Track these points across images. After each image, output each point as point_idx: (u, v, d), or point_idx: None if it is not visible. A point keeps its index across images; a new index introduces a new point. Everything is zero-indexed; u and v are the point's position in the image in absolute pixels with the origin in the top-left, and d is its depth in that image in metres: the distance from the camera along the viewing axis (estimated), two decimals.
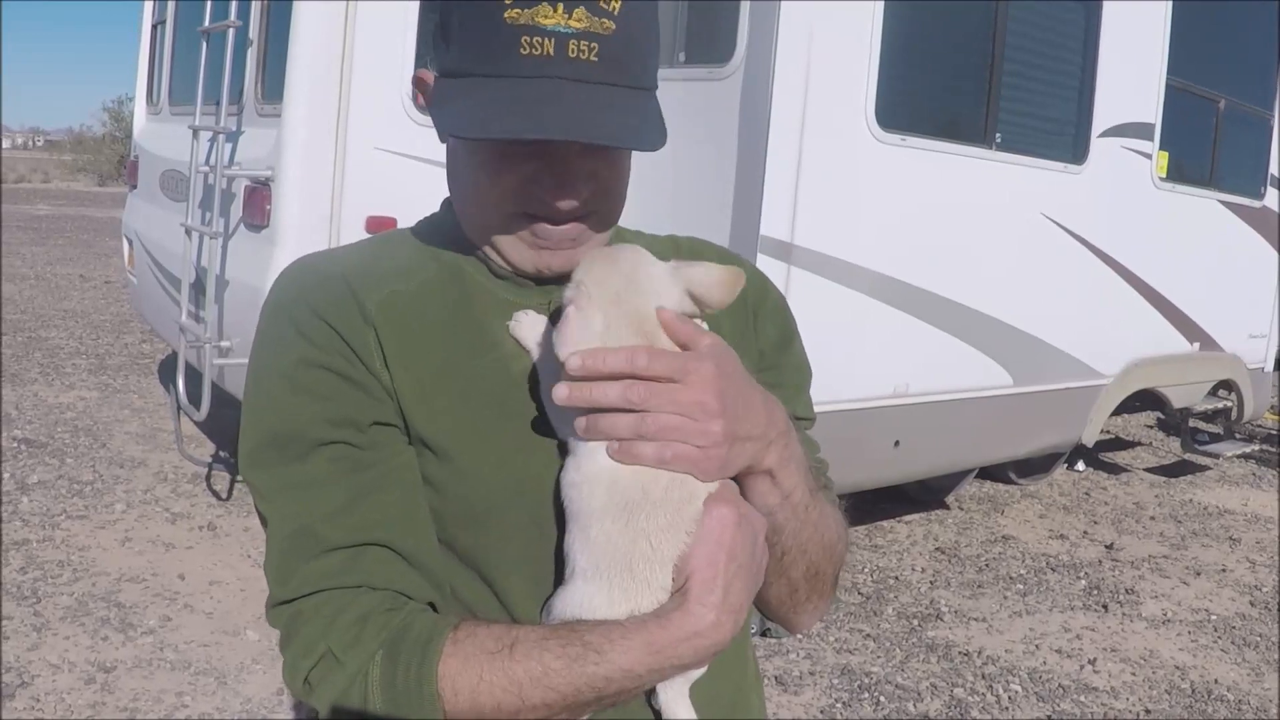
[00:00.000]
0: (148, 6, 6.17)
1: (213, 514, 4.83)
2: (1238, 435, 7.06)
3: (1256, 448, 7.15)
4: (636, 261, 0.92)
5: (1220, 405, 6.36)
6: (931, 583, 4.69)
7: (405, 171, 3.74)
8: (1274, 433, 7.66)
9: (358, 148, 3.88)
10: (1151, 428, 8.22)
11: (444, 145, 1.01)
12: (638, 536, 0.87)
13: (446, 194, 1.05)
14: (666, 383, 0.86)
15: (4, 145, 60.08)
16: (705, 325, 0.99)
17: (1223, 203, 5.89)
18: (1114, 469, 6.97)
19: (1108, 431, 7.20)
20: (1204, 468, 7.08)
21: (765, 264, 3.65)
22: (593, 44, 0.87)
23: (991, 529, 5.50)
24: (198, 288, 4.47)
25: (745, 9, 3.70)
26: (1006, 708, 3.62)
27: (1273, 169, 6.24)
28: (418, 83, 1.00)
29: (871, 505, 5.27)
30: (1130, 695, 3.77)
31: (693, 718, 0.93)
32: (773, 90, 3.61)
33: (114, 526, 4.61)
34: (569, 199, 0.93)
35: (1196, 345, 5.81)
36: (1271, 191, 6.25)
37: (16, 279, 11.46)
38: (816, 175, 3.77)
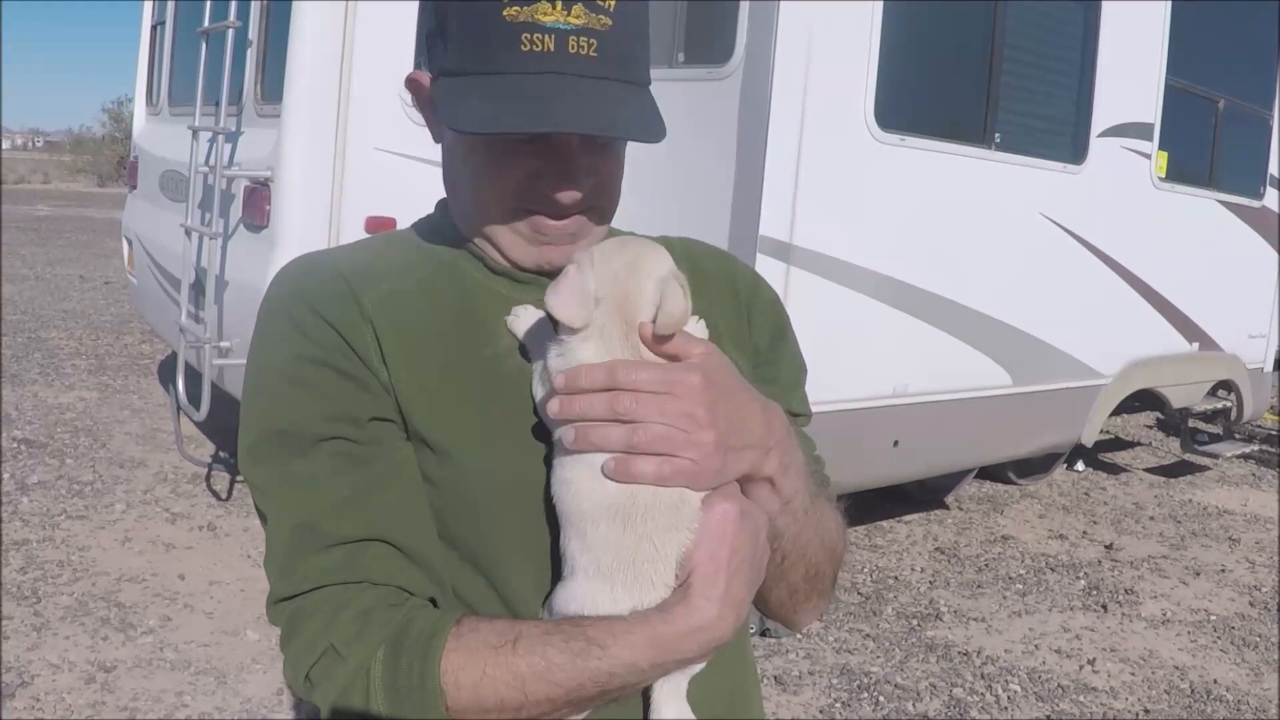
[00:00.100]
0: (147, 7, 6.18)
1: (212, 514, 4.83)
2: (1237, 435, 7.06)
3: (1256, 448, 7.15)
4: (643, 253, 0.92)
5: (1220, 405, 6.37)
6: (931, 583, 4.69)
7: (405, 172, 3.75)
8: (1273, 433, 7.67)
9: (357, 148, 3.88)
10: (1151, 428, 8.23)
11: (440, 145, 1.02)
12: (640, 540, 0.87)
13: (443, 194, 1.06)
14: (656, 394, 0.86)
15: (4, 146, 60.07)
16: (705, 325, 1.00)
17: (1222, 203, 5.90)
18: (1113, 469, 6.97)
19: (1107, 431, 7.20)
20: (1203, 468, 7.08)
21: (764, 264, 3.65)
22: (591, 40, 0.89)
23: (991, 529, 5.51)
24: (197, 288, 4.47)
25: (744, 9, 3.70)
26: (1006, 708, 3.62)
27: (1272, 169, 6.25)
28: (411, 84, 1.01)
29: (871, 505, 5.28)
30: (1129, 695, 3.78)
31: (678, 707, 0.93)
32: (772, 90, 3.62)
33: (114, 527, 4.61)
34: (573, 192, 0.94)
35: (1196, 345, 5.81)
36: (1271, 191, 6.25)
37: (16, 280, 11.46)
38: (815, 175, 3.78)
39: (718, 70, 3.77)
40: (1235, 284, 6.08)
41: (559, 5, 0.88)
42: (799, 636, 3.99)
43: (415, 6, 3.81)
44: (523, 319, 0.98)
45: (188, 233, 4.46)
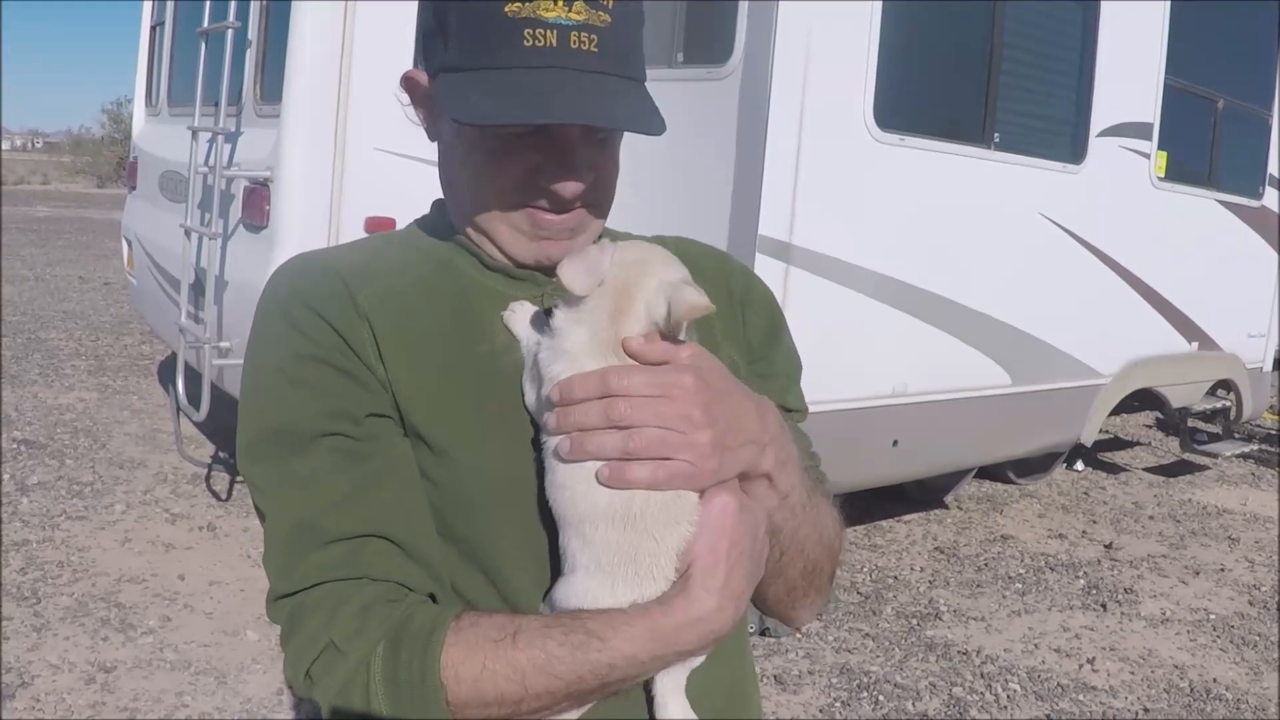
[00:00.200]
0: (147, 8, 6.18)
1: (212, 514, 4.83)
2: (1236, 435, 7.07)
3: (1255, 447, 7.15)
4: (661, 257, 0.94)
5: (1219, 405, 6.36)
6: (930, 582, 4.69)
7: (404, 172, 3.75)
8: (1273, 432, 7.67)
9: (357, 148, 3.88)
10: (1150, 427, 8.23)
11: (437, 144, 1.03)
12: (641, 536, 0.87)
13: (441, 195, 1.07)
14: (650, 398, 0.86)
15: (3, 147, 60.08)
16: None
17: (1221, 202, 5.90)
18: (1113, 469, 6.97)
19: (1106, 431, 7.21)
20: (1203, 467, 7.09)
21: (763, 263, 3.65)
22: (592, 35, 0.90)
23: (990, 528, 5.51)
24: (197, 288, 4.47)
25: (743, 9, 3.70)
26: (1005, 707, 3.62)
27: (1271, 168, 6.25)
28: (408, 83, 1.01)
29: (870, 505, 5.28)
30: (1129, 694, 3.78)
31: (680, 704, 0.93)
32: (771, 90, 3.62)
33: (114, 527, 4.61)
34: (575, 184, 0.95)
35: (1195, 345, 5.81)
36: (1270, 191, 6.25)
37: (16, 281, 11.46)
38: (815, 175, 3.78)
39: (717, 70, 3.77)
40: (1234, 283, 6.08)
41: (560, 1, 0.89)
42: (798, 636, 3.99)
43: (414, 6, 3.81)
44: (519, 315, 0.99)
45: (187, 233, 4.46)
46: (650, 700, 0.94)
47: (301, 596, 0.91)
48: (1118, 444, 7.65)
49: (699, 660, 0.93)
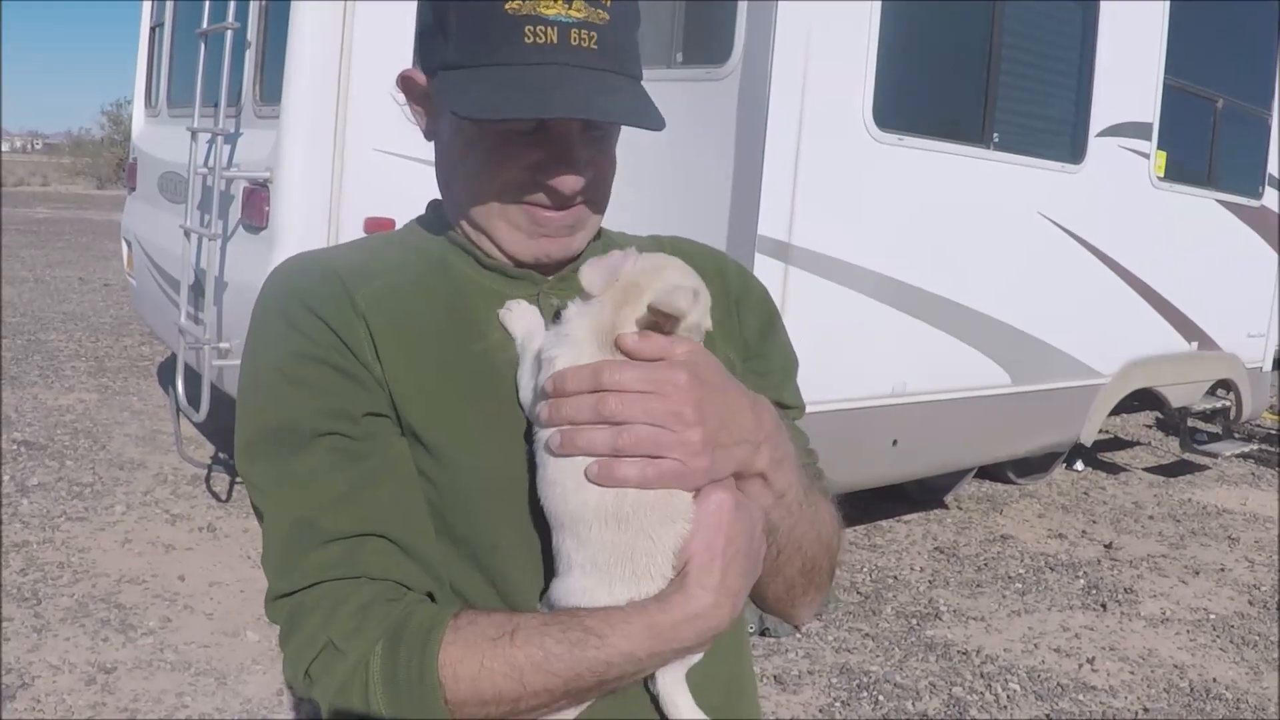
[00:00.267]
0: (146, 8, 6.18)
1: (212, 515, 4.83)
2: (1236, 435, 7.07)
3: (1255, 447, 7.15)
4: (678, 265, 0.95)
5: (1219, 404, 6.36)
6: (930, 582, 4.69)
7: (404, 172, 3.73)
8: (1273, 432, 7.67)
9: (356, 149, 3.88)
10: (1150, 427, 8.23)
11: (434, 143, 1.04)
12: (636, 535, 0.87)
13: (438, 196, 1.08)
14: (642, 394, 0.86)
15: (3, 149, 60.08)
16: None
17: (1221, 202, 5.90)
18: (1113, 468, 6.97)
19: (1106, 431, 7.21)
20: (1203, 467, 7.09)
21: (763, 263, 3.66)
22: (592, 33, 0.91)
23: (990, 528, 5.51)
24: (197, 289, 4.48)
25: (742, 9, 3.70)
26: (1005, 706, 3.62)
27: (1271, 168, 6.25)
28: (404, 81, 1.02)
29: (870, 505, 5.28)
30: (1129, 694, 3.78)
31: (690, 703, 0.94)
32: (770, 90, 3.62)
33: (114, 528, 4.61)
34: (576, 178, 0.96)
35: (1195, 344, 5.81)
36: (1270, 191, 6.25)
37: (16, 282, 11.46)
38: (814, 175, 3.78)
39: (716, 70, 3.77)
40: (1234, 283, 6.09)
41: None
42: (798, 636, 3.99)
43: (414, 6, 3.82)
44: (515, 313, 0.99)
45: (187, 234, 4.46)
46: (652, 700, 0.94)
47: (300, 596, 0.91)
48: (1118, 444, 7.65)
49: (697, 658, 0.93)
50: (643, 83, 0.98)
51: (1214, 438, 6.94)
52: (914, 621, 4.26)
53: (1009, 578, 4.82)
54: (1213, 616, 4.54)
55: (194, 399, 4.50)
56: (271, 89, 4.18)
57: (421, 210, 1.12)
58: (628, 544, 0.87)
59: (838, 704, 3.54)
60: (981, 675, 3.83)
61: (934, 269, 4.26)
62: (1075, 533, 5.56)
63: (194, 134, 4.43)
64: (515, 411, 0.96)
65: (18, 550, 4.27)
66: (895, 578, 4.70)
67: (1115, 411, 5.53)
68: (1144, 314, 5.38)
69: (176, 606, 3.91)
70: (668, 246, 1.15)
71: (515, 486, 0.95)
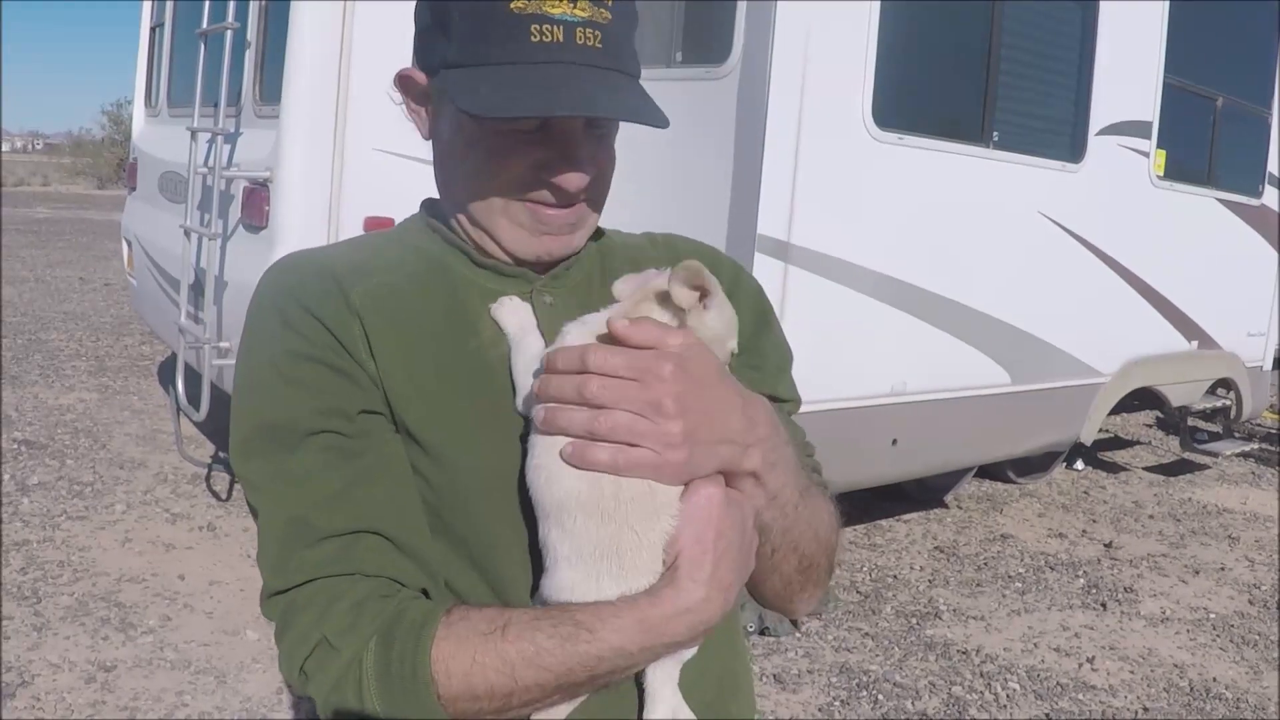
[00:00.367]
0: (146, 8, 6.19)
1: (212, 514, 4.84)
2: (1236, 434, 7.06)
3: (1255, 446, 7.15)
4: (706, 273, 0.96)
5: (1219, 404, 6.36)
6: (930, 581, 4.69)
7: (404, 172, 3.73)
8: (1273, 431, 7.67)
9: (356, 149, 3.88)
10: (1150, 426, 8.23)
11: (432, 142, 1.05)
12: (621, 529, 0.87)
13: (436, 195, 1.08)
14: (624, 381, 0.86)
15: (3, 149, 60.11)
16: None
17: (1221, 201, 5.90)
18: (1113, 468, 6.97)
19: (1106, 430, 7.21)
20: (1203, 466, 7.08)
21: (762, 263, 3.66)
22: (596, 32, 0.92)
23: (990, 528, 5.51)
24: (197, 289, 4.48)
25: (742, 9, 3.70)
26: (1005, 706, 3.62)
27: (1271, 167, 6.25)
28: (403, 81, 1.02)
29: (870, 504, 5.28)
30: (1128, 693, 3.78)
31: (675, 700, 0.93)
32: (769, 90, 3.62)
33: (114, 527, 4.61)
34: (580, 178, 0.96)
35: (1195, 343, 5.81)
36: (1270, 190, 6.25)
37: (16, 282, 11.47)
38: (813, 174, 3.78)
39: (715, 70, 3.77)
40: (1234, 282, 6.08)
41: None
42: (798, 635, 4.00)
43: (414, 6, 3.82)
44: (507, 308, 0.99)
45: (187, 234, 4.46)
46: (642, 694, 0.94)
47: (294, 593, 0.91)
48: (1118, 443, 7.65)
49: (690, 653, 0.93)
50: (641, 82, 0.99)
51: (1214, 437, 6.94)
52: (914, 621, 4.26)
53: (1009, 577, 4.82)
54: (1213, 616, 4.54)
55: (194, 398, 4.50)
56: (271, 89, 4.18)
57: None
58: (612, 538, 0.87)
59: (837, 703, 3.55)
60: (981, 674, 3.83)
61: (934, 268, 4.25)
62: (1075, 532, 5.56)
63: (194, 134, 4.43)
64: (509, 408, 0.96)
65: (18, 549, 4.27)
66: (895, 577, 4.70)
67: (1115, 410, 5.53)
68: (1144, 313, 5.38)
69: (176, 605, 3.91)
70: (662, 244, 1.15)
71: (509, 483, 0.95)
